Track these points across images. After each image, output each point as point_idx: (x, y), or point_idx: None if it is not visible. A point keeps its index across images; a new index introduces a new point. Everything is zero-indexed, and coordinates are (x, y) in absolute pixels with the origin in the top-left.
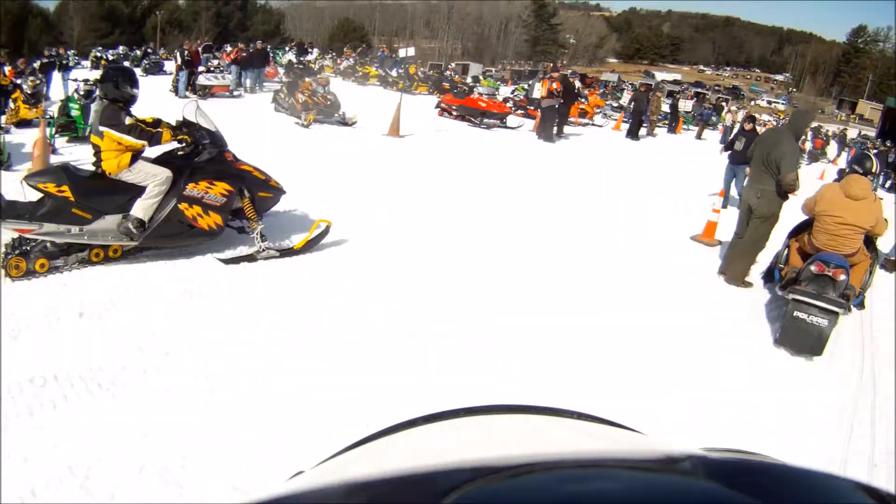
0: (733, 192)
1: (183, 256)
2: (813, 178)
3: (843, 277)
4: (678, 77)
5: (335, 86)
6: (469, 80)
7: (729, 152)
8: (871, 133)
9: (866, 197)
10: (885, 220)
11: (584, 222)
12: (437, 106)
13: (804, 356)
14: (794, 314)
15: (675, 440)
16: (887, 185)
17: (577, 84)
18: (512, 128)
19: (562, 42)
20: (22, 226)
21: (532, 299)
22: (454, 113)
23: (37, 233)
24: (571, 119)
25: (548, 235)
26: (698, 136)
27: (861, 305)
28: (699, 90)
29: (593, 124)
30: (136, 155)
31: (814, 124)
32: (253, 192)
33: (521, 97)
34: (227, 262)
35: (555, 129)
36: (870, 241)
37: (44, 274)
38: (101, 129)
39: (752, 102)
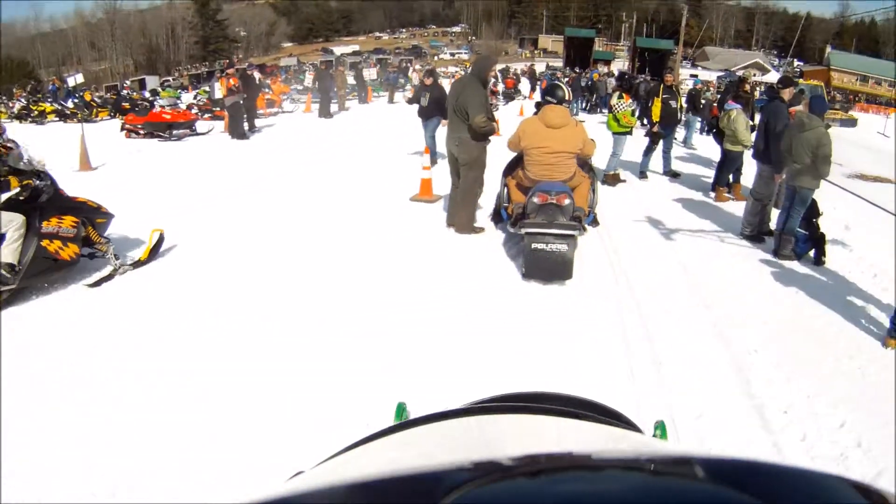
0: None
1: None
2: (513, 115)
3: (567, 202)
4: (356, 48)
5: (14, 131)
6: (148, 94)
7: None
8: (559, 63)
9: (566, 123)
10: (592, 140)
11: (307, 206)
12: (123, 128)
13: (556, 282)
14: (532, 247)
15: (675, 441)
16: (587, 108)
17: (257, 75)
18: (203, 133)
19: (233, 36)
20: None
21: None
22: (141, 132)
23: None
24: (260, 111)
25: (276, 228)
26: (390, 101)
27: (595, 222)
28: (381, 56)
29: (283, 111)
30: None
31: (501, 66)
32: (92, 220)
33: (205, 100)
34: (93, 285)
35: (245, 124)
36: (584, 163)
37: None
38: None
39: (436, 58)
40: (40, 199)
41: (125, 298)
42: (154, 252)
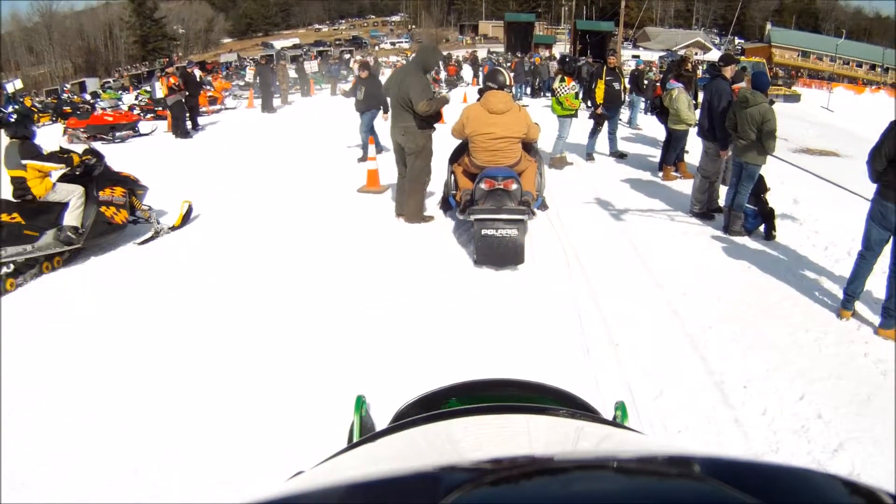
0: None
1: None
2: (456, 102)
3: (515, 187)
4: (297, 41)
5: None
6: (89, 97)
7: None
8: (501, 49)
9: (509, 108)
10: (536, 124)
11: (256, 202)
12: (65, 132)
13: (508, 268)
14: (483, 233)
15: (675, 441)
16: (531, 92)
17: (198, 73)
18: (147, 134)
19: (171, 35)
20: None
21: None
22: (84, 135)
23: (5, 256)
24: (203, 109)
25: (227, 225)
26: (333, 93)
27: (544, 206)
28: (321, 48)
29: (226, 108)
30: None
31: (443, 52)
32: (134, 191)
33: (146, 100)
34: (141, 244)
35: (189, 123)
36: (530, 147)
37: (12, 291)
38: (24, 162)
39: (376, 48)
40: (94, 173)
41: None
42: (185, 219)
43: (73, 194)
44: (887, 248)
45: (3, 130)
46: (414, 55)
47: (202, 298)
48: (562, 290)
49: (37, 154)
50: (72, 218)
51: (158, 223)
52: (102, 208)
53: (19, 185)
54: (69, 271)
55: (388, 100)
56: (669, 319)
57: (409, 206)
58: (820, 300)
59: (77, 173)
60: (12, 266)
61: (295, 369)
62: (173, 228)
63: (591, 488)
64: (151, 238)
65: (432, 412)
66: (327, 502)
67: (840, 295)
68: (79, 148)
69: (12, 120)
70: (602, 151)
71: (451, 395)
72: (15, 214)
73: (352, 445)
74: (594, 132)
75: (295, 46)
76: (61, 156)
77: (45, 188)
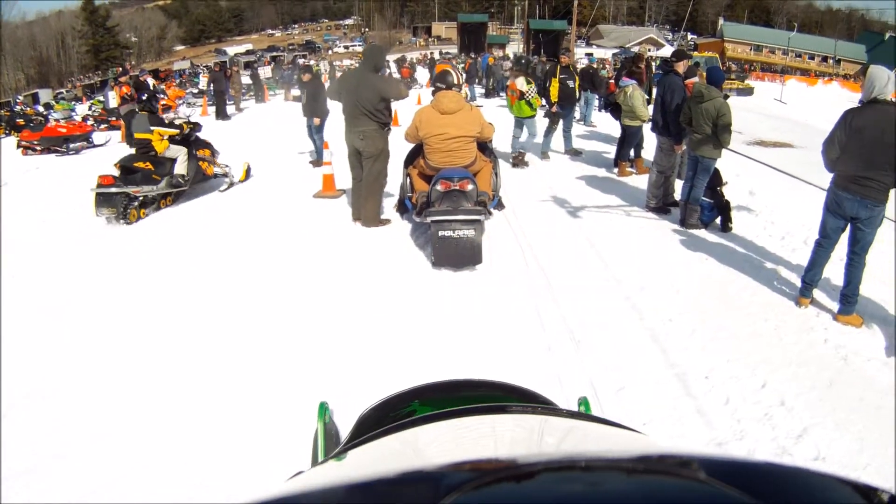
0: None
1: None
2: (410, 104)
3: (470, 187)
4: (250, 47)
5: None
6: (42, 108)
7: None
8: (454, 50)
9: (460, 108)
10: (490, 124)
11: (213, 210)
12: (19, 145)
13: (466, 268)
14: (440, 234)
15: (675, 441)
16: (483, 93)
17: (151, 81)
18: (101, 145)
19: (124, 43)
20: (133, 189)
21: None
22: (38, 147)
23: (141, 192)
24: None
25: (188, 234)
26: (286, 99)
27: (500, 206)
28: (274, 54)
29: (180, 116)
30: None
31: (397, 55)
32: (214, 152)
33: (100, 111)
34: (223, 191)
35: None
36: (485, 147)
37: (137, 220)
38: (152, 128)
39: (330, 51)
40: (191, 138)
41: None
42: (247, 176)
43: (181, 152)
44: (844, 236)
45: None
46: (363, 59)
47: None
48: (521, 288)
49: (160, 122)
50: (181, 169)
51: (232, 177)
52: (201, 163)
53: (146, 144)
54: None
55: (330, 104)
56: (629, 314)
57: (367, 209)
58: (778, 289)
59: (182, 137)
60: (142, 198)
61: (253, 377)
62: (240, 183)
63: (590, 488)
64: (228, 188)
65: (431, 413)
66: (327, 502)
67: (798, 283)
68: (181, 118)
69: (144, 98)
70: (557, 149)
71: (414, 398)
72: (148, 163)
73: (352, 445)
74: (549, 131)
75: (248, 52)
76: (177, 124)
77: (163, 147)
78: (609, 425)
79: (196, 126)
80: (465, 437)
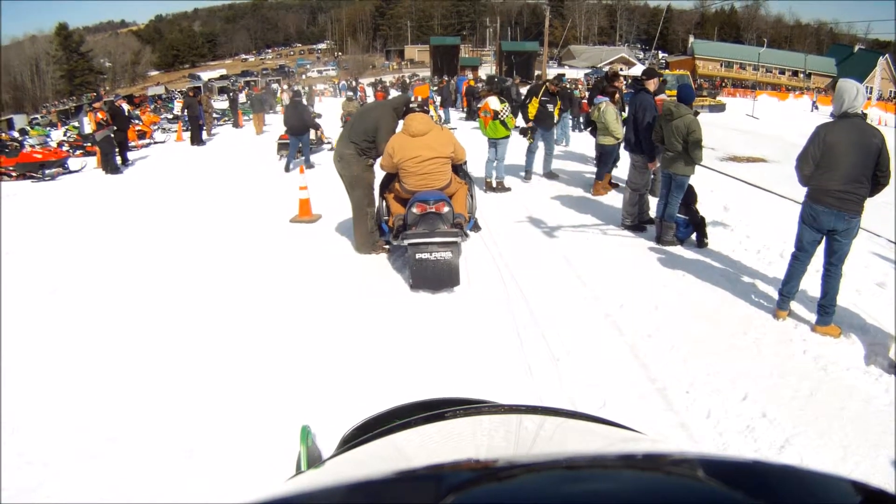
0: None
1: None
2: None
3: (446, 209)
4: (223, 72)
5: None
6: (17, 134)
7: None
8: (427, 73)
9: (430, 129)
10: (462, 147)
11: (193, 236)
12: None
13: (445, 290)
14: (417, 257)
15: (675, 441)
16: (465, 116)
17: (126, 107)
18: (76, 171)
19: (98, 68)
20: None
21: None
22: (13, 174)
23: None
24: (133, 143)
25: (170, 261)
26: (258, 131)
27: (476, 227)
28: (248, 78)
29: (155, 142)
30: None
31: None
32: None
33: (75, 136)
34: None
35: (118, 158)
36: (459, 169)
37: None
38: None
39: (303, 76)
40: None
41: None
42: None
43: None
44: (819, 249)
45: None
46: (391, 99)
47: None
48: (499, 308)
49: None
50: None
51: None
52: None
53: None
54: None
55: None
56: (608, 330)
57: (356, 236)
58: (756, 302)
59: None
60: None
61: (237, 402)
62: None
63: (590, 488)
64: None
65: (431, 413)
66: (327, 502)
67: (775, 296)
68: None
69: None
70: (536, 171)
71: (397, 417)
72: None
73: (352, 445)
74: (531, 149)
75: (222, 77)
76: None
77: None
78: (609, 425)
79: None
80: (463, 437)
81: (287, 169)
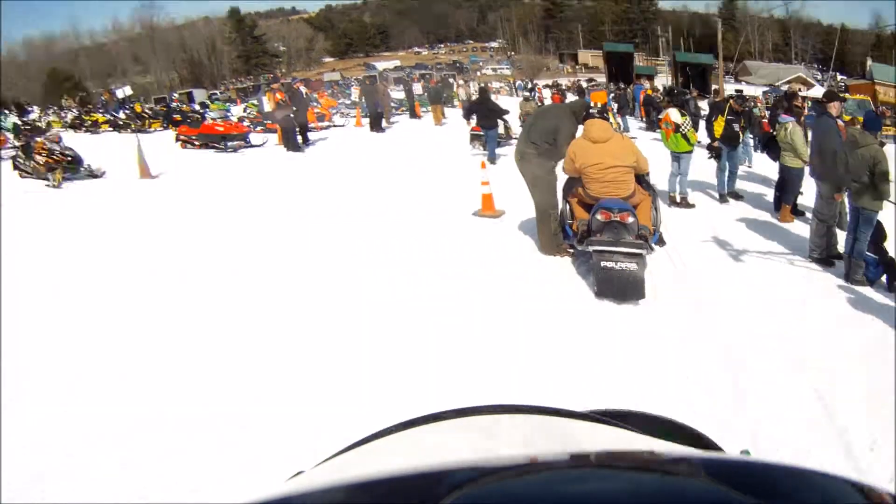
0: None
1: None
2: None
3: (631, 220)
4: (398, 63)
5: (69, 140)
6: (197, 106)
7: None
8: (602, 78)
9: (611, 136)
10: (644, 157)
11: (378, 220)
12: (178, 139)
13: (630, 302)
14: (602, 265)
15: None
16: (646, 126)
17: (303, 89)
18: (258, 145)
19: (273, 52)
20: None
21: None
22: (196, 143)
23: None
24: (312, 125)
25: (357, 241)
26: (437, 122)
27: (661, 242)
28: (423, 71)
29: (334, 125)
30: None
31: (548, 80)
32: None
33: (255, 113)
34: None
35: (299, 137)
36: (642, 180)
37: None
38: None
39: (478, 73)
40: None
41: None
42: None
43: None
44: None
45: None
46: (570, 102)
47: None
48: (685, 332)
49: None
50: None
51: None
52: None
53: None
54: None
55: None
56: (795, 373)
57: (540, 237)
58: None
59: None
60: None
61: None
62: None
63: (590, 488)
64: None
65: (431, 413)
66: (327, 502)
67: None
68: None
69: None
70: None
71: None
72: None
73: (352, 445)
74: (721, 168)
75: (397, 68)
76: None
77: None
78: (611, 426)
79: None
80: (465, 437)
81: (492, 161)
